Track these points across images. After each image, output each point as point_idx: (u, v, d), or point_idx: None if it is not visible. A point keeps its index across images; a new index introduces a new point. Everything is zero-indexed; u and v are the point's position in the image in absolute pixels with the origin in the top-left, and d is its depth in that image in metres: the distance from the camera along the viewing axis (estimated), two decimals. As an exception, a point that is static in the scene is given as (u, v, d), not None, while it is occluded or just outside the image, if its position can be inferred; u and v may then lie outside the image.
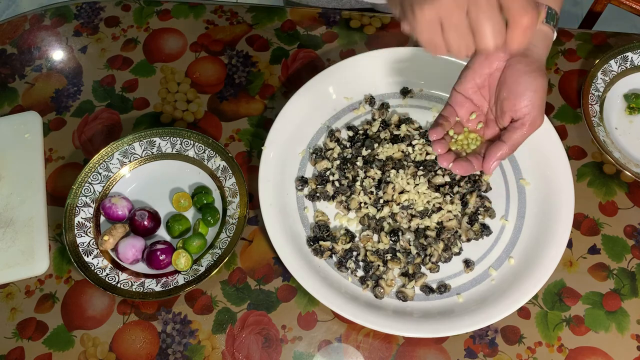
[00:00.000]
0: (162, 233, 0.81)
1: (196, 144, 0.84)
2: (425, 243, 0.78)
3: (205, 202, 0.81)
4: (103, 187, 0.82)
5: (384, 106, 0.87)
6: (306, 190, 0.82)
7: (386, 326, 0.72)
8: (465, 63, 0.71)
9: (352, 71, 0.88)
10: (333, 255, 0.79)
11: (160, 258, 0.77)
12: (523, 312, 0.76)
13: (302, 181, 0.82)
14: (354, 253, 0.78)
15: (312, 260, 0.78)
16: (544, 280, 0.74)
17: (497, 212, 0.81)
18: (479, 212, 0.80)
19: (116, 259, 0.78)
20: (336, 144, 0.85)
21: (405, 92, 0.89)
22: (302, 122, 0.85)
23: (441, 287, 0.76)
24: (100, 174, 0.82)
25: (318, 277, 0.75)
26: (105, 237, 0.77)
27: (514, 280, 0.75)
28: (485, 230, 0.79)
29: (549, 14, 0.69)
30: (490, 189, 0.82)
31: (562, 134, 0.87)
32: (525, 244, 0.78)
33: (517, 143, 0.68)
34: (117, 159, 0.83)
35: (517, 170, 0.83)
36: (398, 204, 0.79)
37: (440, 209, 0.79)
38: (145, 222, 0.78)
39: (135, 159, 0.84)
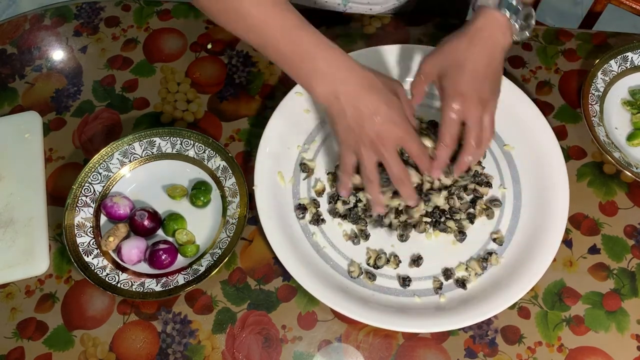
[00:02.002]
0: (162, 233, 0.81)
1: (196, 144, 0.84)
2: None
3: (203, 200, 0.82)
4: (103, 187, 0.82)
5: None
6: (308, 217, 0.82)
7: (385, 322, 0.72)
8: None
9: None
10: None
11: (162, 258, 0.77)
12: (523, 312, 0.76)
13: (302, 209, 0.81)
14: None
15: (310, 259, 0.78)
16: (544, 268, 0.74)
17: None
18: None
19: (117, 259, 0.78)
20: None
21: None
22: (282, 149, 0.84)
23: (447, 272, 0.77)
24: (100, 174, 0.82)
25: (317, 275, 0.75)
26: (110, 239, 0.77)
27: (512, 272, 0.76)
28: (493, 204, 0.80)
29: (504, 1, 0.70)
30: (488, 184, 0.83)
31: (562, 134, 0.87)
32: (521, 239, 0.79)
33: (441, 124, 0.71)
34: (117, 159, 0.83)
35: (513, 168, 0.84)
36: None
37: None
38: (145, 222, 0.78)
39: (135, 159, 0.84)
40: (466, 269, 0.78)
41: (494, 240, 0.79)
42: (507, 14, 0.70)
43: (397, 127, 0.68)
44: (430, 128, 0.83)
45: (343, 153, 0.72)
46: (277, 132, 0.84)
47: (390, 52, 0.89)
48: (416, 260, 0.78)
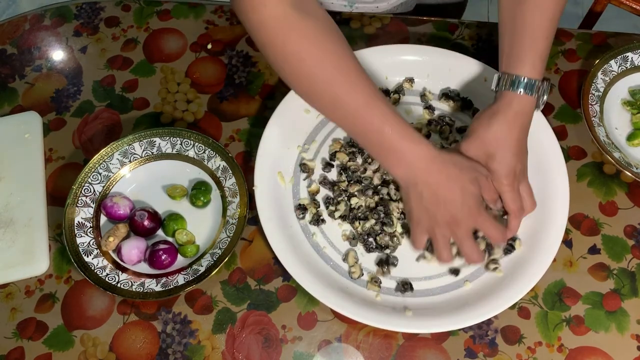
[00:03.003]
0: (162, 233, 0.81)
1: (196, 144, 0.84)
2: None
3: (203, 200, 0.82)
4: (103, 187, 0.82)
5: None
6: (308, 217, 0.82)
7: (385, 323, 0.72)
8: None
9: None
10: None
11: (162, 258, 0.77)
12: (523, 312, 0.76)
13: (302, 209, 0.81)
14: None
15: (310, 259, 0.78)
16: (545, 267, 0.74)
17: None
18: None
19: (117, 259, 0.78)
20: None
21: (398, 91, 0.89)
22: (281, 151, 0.84)
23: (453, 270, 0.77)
24: (100, 174, 0.82)
25: (317, 276, 0.75)
26: (110, 239, 0.77)
27: (512, 272, 0.76)
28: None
29: (525, 83, 0.73)
30: None
31: (562, 134, 0.87)
32: (521, 239, 0.79)
33: (506, 200, 0.75)
34: (117, 159, 0.83)
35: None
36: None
37: None
38: (145, 222, 0.78)
39: (135, 159, 0.84)
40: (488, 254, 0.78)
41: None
42: (534, 95, 0.74)
43: (471, 214, 0.71)
44: (440, 123, 0.86)
45: (415, 232, 0.75)
46: (277, 132, 0.84)
47: (391, 52, 0.89)
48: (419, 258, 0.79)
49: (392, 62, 0.89)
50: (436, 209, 0.71)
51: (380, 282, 0.77)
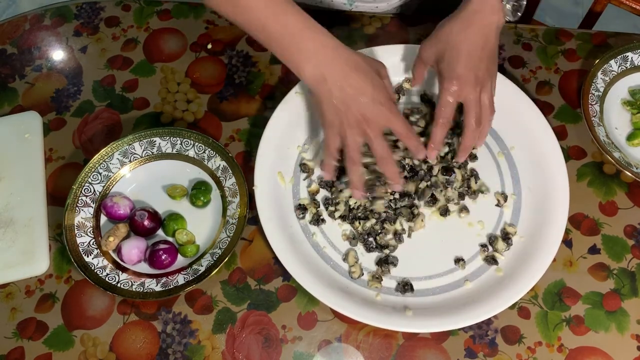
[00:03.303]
0: (162, 233, 0.81)
1: (196, 144, 0.84)
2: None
3: (203, 200, 0.82)
4: (103, 187, 0.82)
5: None
6: (308, 217, 0.82)
7: (385, 322, 0.72)
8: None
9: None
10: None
11: (162, 258, 0.77)
12: (523, 312, 0.76)
13: (302, 209, 0.81)
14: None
15: (310, 259, 0.78)
16: (544, 268, 0.74)
17: (494, 206, 0.81)
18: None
19: (117, 259, 0.78)
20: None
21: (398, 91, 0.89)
22: (282, 148, 0.84)
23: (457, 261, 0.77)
24: (100, 174, 0.82)
25: (317, 276, 0.75)
26: (110, 239, 0.77)
27: (512, 272, 0.76)
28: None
29: None
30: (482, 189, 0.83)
31: (562, 134, 0.87)
32: (522, 238, 0.79)
33: (438, 106, 0.74)
34: (117, 159, 0.83)
35: (513, 168, 0.84)
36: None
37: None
38: (145, 222, 0.78)
39: (135, 159, 0.84)
40: (490, 244, 0.79)
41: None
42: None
43: (383, 107, 0.69)
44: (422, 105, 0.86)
45: (327, 135, 0.73)
46: (277, 132, 0.84)
47: (390, 52, 0.89)
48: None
49: (392, 62, 0.89)
50: (346, 107, 0.69)
51: (381, 280, 0.77)
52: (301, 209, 0.81)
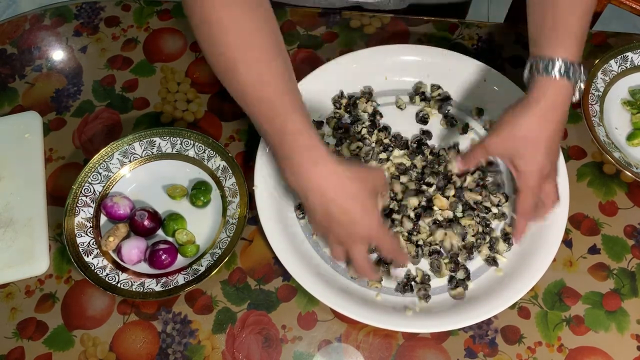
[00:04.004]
0: (162, 233, 0.81)
1: (196, 143, 0.84)
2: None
3: (203, 200, 0.82)
4: (103, 187, 0.82)
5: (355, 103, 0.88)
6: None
7: (385, 322, 0.72)
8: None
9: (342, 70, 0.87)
10: None
11: (162, 258, 0.77)
12: (523, 312, 0.76)
13: (302, 209, 0.81)
14: None
15: (310, 259, 0.78)
16: (544, 268, 0.74)
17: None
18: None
19: (117, 259, 0.78)
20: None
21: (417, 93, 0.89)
22: None
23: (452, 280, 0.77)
24: (100, 174, 0.82)
25: (317, 276, 0.75)
26: (110, 238, 0.77)
27: (512, 272, 0.76)
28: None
29: (560, 65, 0.66)
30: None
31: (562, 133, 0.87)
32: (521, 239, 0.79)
33: (521, 201, 0.71)
34: (117, 159, 0.83)
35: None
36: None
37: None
38: (145, 222, 0.78)
39: (135, 159, 0.84)
40: (490, 248, 0.78)
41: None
42: (572, 80, 0.66)
43: (370, 233, 0.66)
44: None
45: (318, 237, 0.77)
46: None
47: (390, 53, 0.89)
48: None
49: (392, 62, 0.89)
50: (329, 227, 0.66)
51: (381, 280, 0.77)
52: (301, 209, 0.81)
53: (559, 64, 0.65)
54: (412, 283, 0.77)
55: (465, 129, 0.86)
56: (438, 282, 0.77)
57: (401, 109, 0.88)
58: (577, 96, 0.69)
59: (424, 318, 0.73)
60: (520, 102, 0.69)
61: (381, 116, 0.87)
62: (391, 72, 0.89)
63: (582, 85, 0.67)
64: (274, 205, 0.80)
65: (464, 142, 0.85)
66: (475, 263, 0.78)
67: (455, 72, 0.88)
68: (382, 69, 0.89)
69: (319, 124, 0.86)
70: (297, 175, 0.65)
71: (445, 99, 0.87)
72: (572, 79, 0.65)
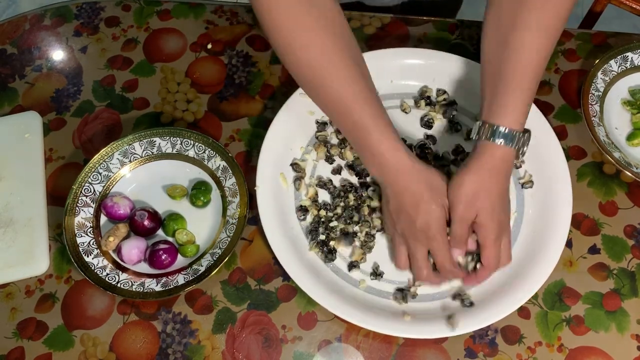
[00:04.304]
0: (162, 233, 0.81)
1: (196, 144, 0.84)
2: None
3: (203, 200, 0.82)
4: (103, 187, 0.82)
5: None
6: (309, 218, 0.81)
7: (385, 327, 0.72)
8: None
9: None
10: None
11: (162, 258, 0.77)
12: (523, 312, 0.76)
13: (303, 210, 0.81)
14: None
15: (310, 261, 0.78)
16: (544, 278, 0.74)
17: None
18: None
19: (117, 259, 0.78)
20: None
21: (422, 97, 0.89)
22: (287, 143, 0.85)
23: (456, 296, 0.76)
24: (100, 174, 0.82)
25: (317, 278, 0.75)
26: (110, 238, 0.77)
27: (514, 278, 0.75)
28: None
29: (504, 134, 0.70)
30: None
31: (562, 134, 0.87)
32: (524, 242, 0.79)
33: (486, 255, 0.72)
34: (117, 159, 0.83)
35: (515, 171, 0.84)
36: None
37: None
38: (145, 222, 0.78)
39: (135, 159, 0.84)
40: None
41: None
42: (514, 146, 0.71)
43: (427, 236, 0.71)
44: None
45: (386, 227, 0.79)
46: (281, 133, 0.84)
47: (396, 56, 0.89)
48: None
49: (398, 65, 0.89)
50: (397, 218, 0.73)
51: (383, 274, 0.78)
52: (302, 210, 0.81)
53: (504, 132, 0.70)
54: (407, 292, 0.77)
55: (469, 134, 0.86)
56: (442, 287, 0.77)
57: (406, 112, 0.88)
58: (520, 157, 0.79)
59: (422, 323, 0.73)
60: (468, 162, 0.72)
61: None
62: (396, 76, 0.89)
63: (526, 148, 0.72)
64: (275, 206, 0.80)
65: (468, 147, 0.85)
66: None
67: (461, 76, 0.88)
68: (387, 72, 0.89)
69: (323, 125, 0.86)
70: (379, 167, 0.73)
71: (450, 104, 0.87)
72: (515, 146, 0.70)
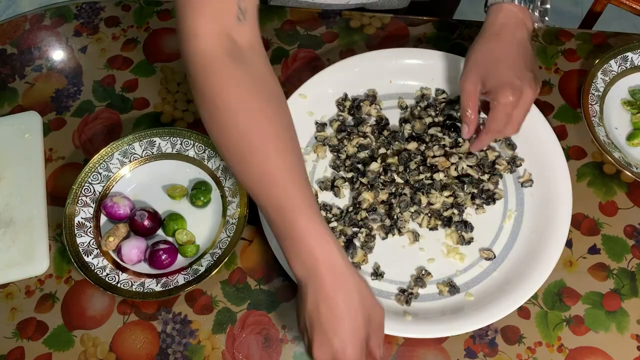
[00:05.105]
0: (162, 233, 0.81)
1: (196, 143, 0.84)
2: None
3: (203, 200, 0.82)
4: (103, 187, 0.82)
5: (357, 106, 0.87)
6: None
7: (386, 328, 0.72)
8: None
9: (350, 72, 0.87)
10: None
11: (162, 258, 0.77)
12: (523, 312, 0.76)
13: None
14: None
15: None
16: (544, 278, 0.74)
17: (496, 211, 0.81)
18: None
19: (117, 259, 0.78)
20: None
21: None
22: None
23: (452, 288, 0.76)
24: (100, 174, 0.82)
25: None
26: (110, 239, 0.77)
27: (513, 278, 0.75)
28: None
29: None
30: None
31: (562, 134, 0.87)
32: (524, 242, 0.79)
33: (491, 119, 0.72)
34: (117, 159, 0.83)
35: (514, 172, 0.84)
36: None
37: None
38: (145, 222, 0.78)
39: (135, 159, 0.84)
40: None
41: (488, 258, 0.79)
42: (523, 4, 0.70)
43: (341, 343, 0.59)
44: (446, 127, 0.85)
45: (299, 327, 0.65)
46: None
47: (395, 56, 0.89)
48: (421, 277, 0.77)
49: (396, 65, 0.89)
50: (311, 327, 0.60)
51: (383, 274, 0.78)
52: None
53: None
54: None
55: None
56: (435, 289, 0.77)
57: (402, 107, 0.88)
58: (540, 20, 0.72)
59: (423, 323, 0.73)
60: (480, 36, 0.72)
61: (388, 122, 0.87)
62: (395, 76, 0.89)
63: (547, 6, 0.70)
64: None
65: (465, 144, 0.85)
66: (477, 269, 0.78)
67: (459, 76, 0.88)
68: (386, 72, 0.89)
69: (322, 126, 0.86)
70: (305, 262, 0.60)
71: (450, 103, 0.87)
72: (525, 4, 0.68)
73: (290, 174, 0.61)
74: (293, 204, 0.60)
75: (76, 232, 0.79)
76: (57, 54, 0.96)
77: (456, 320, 0.73)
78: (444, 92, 0.88)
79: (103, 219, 0.81)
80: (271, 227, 0.63)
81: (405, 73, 0.89)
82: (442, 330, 0.72)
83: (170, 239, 0.81)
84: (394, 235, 0.80)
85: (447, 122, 0.85)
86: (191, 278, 0.76)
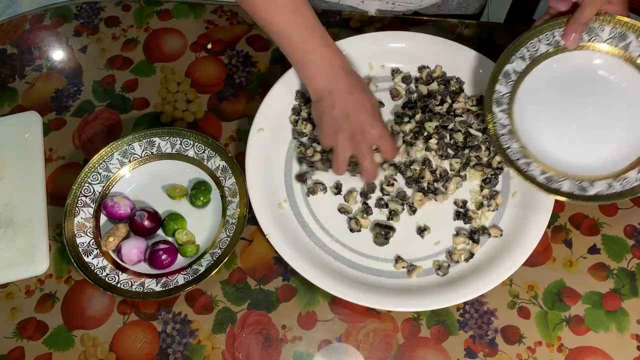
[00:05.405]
0: (162, 233, 0.81)
1: (196, 143, 0.84)
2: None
3: (203, 200, 0.82)
4: (103, 187, 0.82)
5: None
6: (310, 182, 0.83)
7: (385, 303, 0.73)
8: None
9: None
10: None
11: (162, 258, 0.77)
12: (523, 312, 0.76)
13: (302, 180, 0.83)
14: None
15: (309, 250, 0.78)
16: (532, 248, 0.75)
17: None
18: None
19: (117, 259, 0.78)
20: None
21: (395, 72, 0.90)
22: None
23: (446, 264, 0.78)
24: (100, 174, 0.82)
25: (317, 266, 0.76)
26: (110, 239, 0.77)
27: (500, 252, 0.77)
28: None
29: None
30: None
31: (562, 133, 0.87)
32: (511, 217, 0.80)
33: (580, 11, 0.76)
34: (117, 159, 0.83)
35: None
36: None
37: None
38: (145, 222, 0.78)
39: (135, 159, 0.84)
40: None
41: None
42: None
43: (379, 125, 0.76)
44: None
45: (323, 144, 0.80)
46: (266, 129, 0.85)
47: (375, 40, 0.89)
48: (421, 232, 0.80)
49: (377, 50, 0.89)
50: (345, 118, 0.76)
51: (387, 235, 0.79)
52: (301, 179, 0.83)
53: None
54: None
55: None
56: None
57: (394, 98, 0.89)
58: None
59: (419, 296, 0.74)
60: None
61: (382, 104, 0.87)
62: (376, 60, 0.90)
63: None
64: (267, 197, 0.81)
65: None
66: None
67: (443, 58, 0.88)
68: (365, 56, 0.89)
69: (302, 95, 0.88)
70: (325, 77, 0.77)
71: (445, 82, 0.88)
72: None
73: (298, 8, 0.78)
74: (314, 26, 0.78)
75: (76, 232, 0.79)
76: (57, 54, 0.96)
77: (453, 291, 0.74)
78: (424, 67, 0.89)
79: (103, 219, 0.81)
80: (291, 54, 0.79)
81: (386, 57, 0.89)
82: (439, 301, 0.73)
83: (170, 239, 0.81)
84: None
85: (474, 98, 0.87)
86: (191, 278, 0.76)
